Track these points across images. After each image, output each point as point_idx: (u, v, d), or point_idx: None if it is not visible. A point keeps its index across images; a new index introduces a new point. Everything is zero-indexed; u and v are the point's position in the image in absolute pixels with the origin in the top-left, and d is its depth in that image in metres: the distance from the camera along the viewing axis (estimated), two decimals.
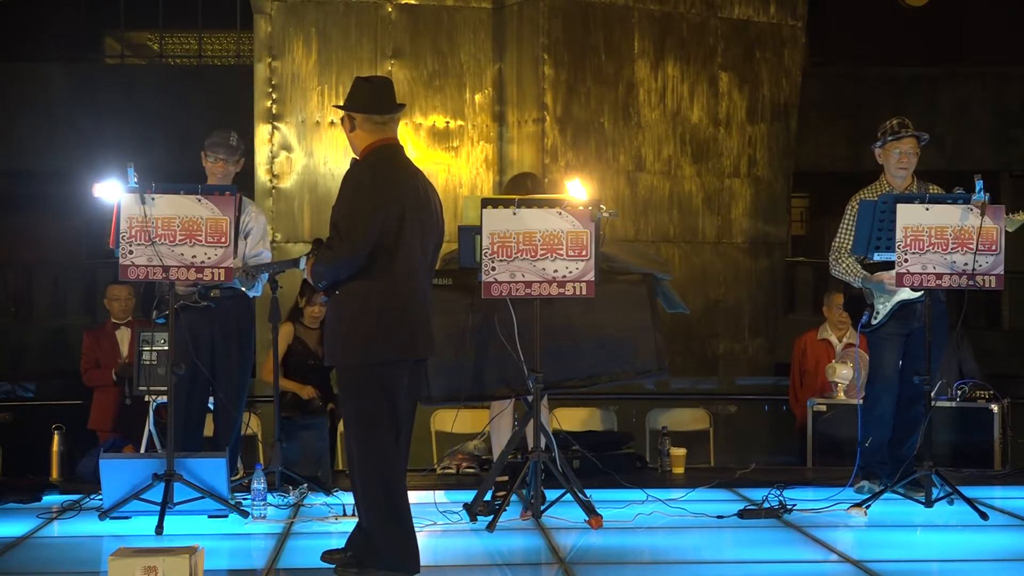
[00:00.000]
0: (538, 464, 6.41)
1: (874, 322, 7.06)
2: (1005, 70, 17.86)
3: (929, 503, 6.75)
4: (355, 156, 5.38)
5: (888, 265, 6.93)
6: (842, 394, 8.29)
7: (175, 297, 6.59)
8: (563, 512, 6.50)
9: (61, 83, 17.65)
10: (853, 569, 5.55)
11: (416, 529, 6.12)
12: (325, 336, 5.41)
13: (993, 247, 6.60)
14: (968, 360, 8.88)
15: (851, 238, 7.05)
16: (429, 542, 6.01)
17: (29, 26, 18.12)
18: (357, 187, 5.23)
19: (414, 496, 7.22)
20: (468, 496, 6.64)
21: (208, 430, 7.34)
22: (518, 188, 7.15)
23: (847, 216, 7.13)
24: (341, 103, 5.44)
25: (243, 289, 7.08)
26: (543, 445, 6.44)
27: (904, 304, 6.98)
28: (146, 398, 7.40)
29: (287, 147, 10.69)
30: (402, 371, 5.28)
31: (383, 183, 5.24)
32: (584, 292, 6.38)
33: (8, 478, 7.74)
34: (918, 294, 6.89)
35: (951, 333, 8.75)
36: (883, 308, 7.03)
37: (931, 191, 7.00)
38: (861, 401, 7.20)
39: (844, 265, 7.10)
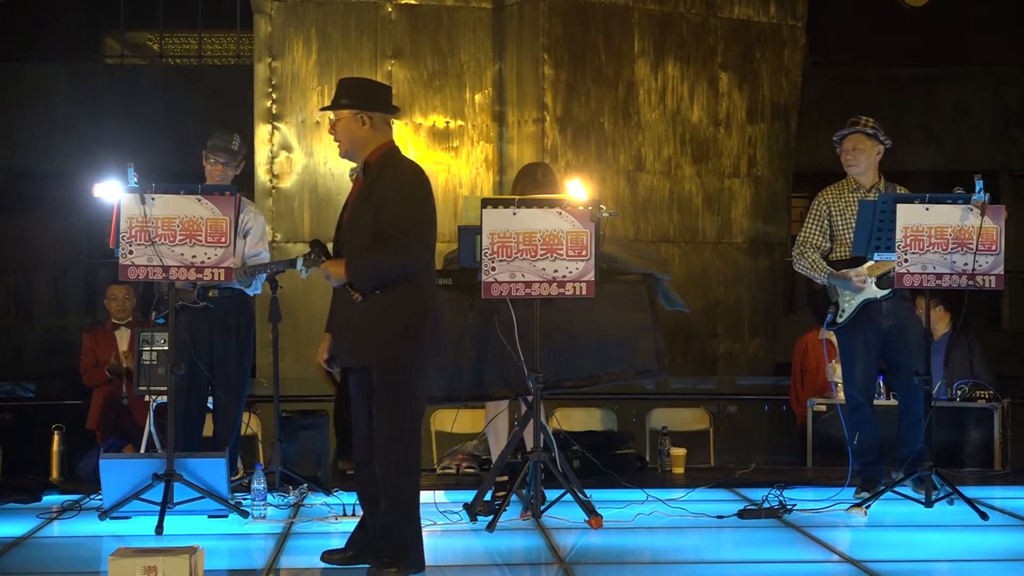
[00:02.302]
0: (538, 464, 6.41)
1: (839, 320, 7.05)
2: (1005, 70, 17.86)
3: (929, 503, 6.76)
4: (348, 153, 5.40)
5: (851, 262, 6.94)
6: (842, 394, 8.29)
7: (175, 297, 6.59)
8: (563, 512, 6.50)
9: (61, 83, 17.65)
10: (853, 569, 5.55)
11: None
12: (362, 335, 5.27)
13: (993, 247, 6.60)
14: (979, 360, 8.89)
15: (815, 234, 7.08)
16: (429, 542, 6.00)
17: (29, 26, 18.11)
18: (418, 189, 5.33)
19: None
20: (468, 496, 6.64)
21: (208, 430, 7.35)
22: (528, 178, 7.16)
23: (811, 212, 7.15)
24: (345, 107, 5.45)
25: (242, 288, 7.08)
26: (542, 445, 6.44)
27: (869, 302, 6.98)
28: (146, 398, 7.41)
29: (287, 147, 10.69)
30: (429, 370, 5.42)
31: (428, 185, 5.40)
32: (584, 292, 6.38)
33: (8, 478, 7.74)
34: (884, 292, 6.90)
35: (962, 336, 8.78)
36: (849, 306, 7.01)
37: (898, 191, 7.03)
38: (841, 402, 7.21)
39: (808, 261, 7.10)
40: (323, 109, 5.71)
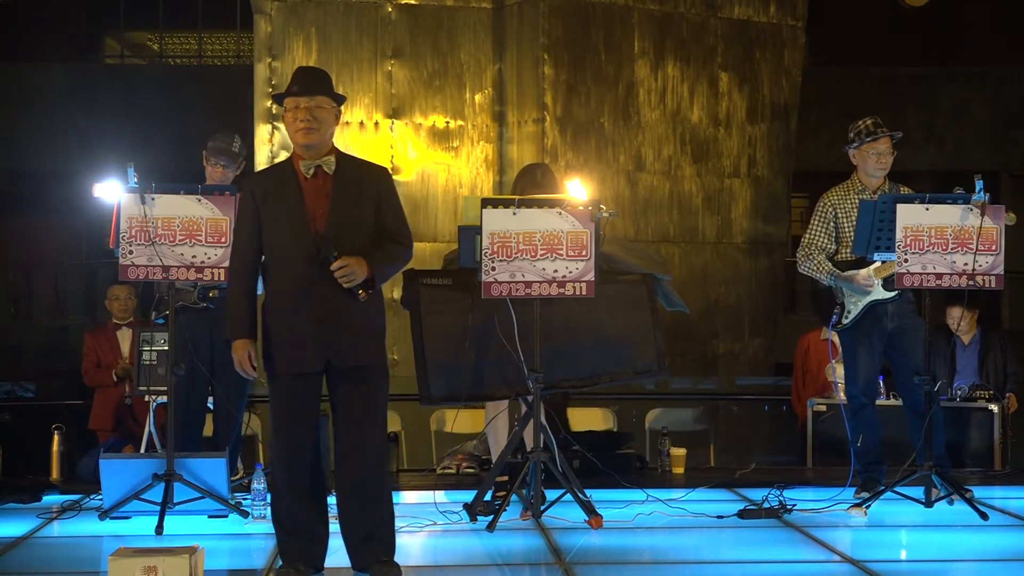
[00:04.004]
0: (538, 464, 6.41)
1: (845, 321, 7.03)
2: (1005, 70, 17.85)
3: (929, 503, 6.76)
4: (316, 145, 5.19)
5: (857, 263, 6.93)
6: (842, 394, 8.29)
7: (174, 297, 6.60)
8: (563, 512, 6.50)
9: (61, 83, 17.63)
10: (853, 569, 5.55)
11: (416, 529, 6.16)
12: (364, 336, 5.19)
13: (993, 247, 6.60)
14: (1009, 357, 8.92)
15: (820, 236, 7.06)
16: (429, 542, 6.01)
17: (29, 26, 18.10)
18: None
19: (414, 496, 7.26)
20: (468, 496, 6.64)
21: (208, 430, 7.35)
22: (528, 178, 7.16)
23: (817, 214, 7.13)
24: (331, 96, 5.32)
25: None
26: (542, 445, 6.44)
27: (876, 304, 6.97)
28: (146, 398, 7.40)
29: (287, 147, 10.67)
30: None
31: None
32: (584, 292, 6.38)
33: (8, 478, 7.74)
34: (891, 294, 6.89)
35: (994, 336, 8.80)
36: (854, 308, 7.01)
37: (902, 191, 7.02)
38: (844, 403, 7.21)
39: (814, 263, 7.08)
40: (326, 95, 5.31)
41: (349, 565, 5.41)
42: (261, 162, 10.68)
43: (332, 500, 5.38)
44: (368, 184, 5.24)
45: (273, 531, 6.25)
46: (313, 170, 5.19)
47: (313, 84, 5.29)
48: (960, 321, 8.97)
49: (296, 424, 5.20)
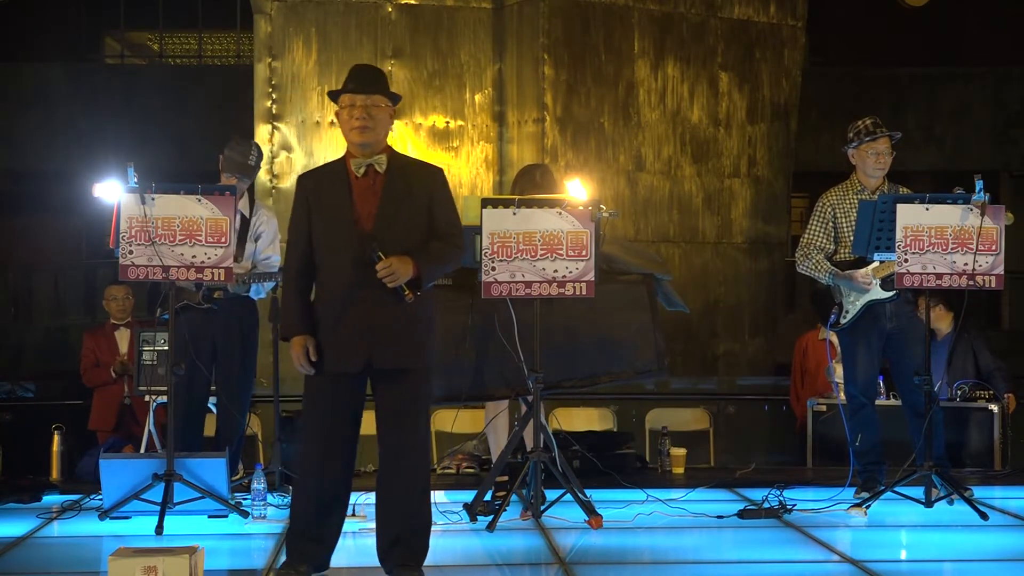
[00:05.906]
0: (538, 464, 6.41)
1: (843, 321, 7.03)
2: (1005, 70, 17.85)
3: (929, 503, 6.76)
4: (372, 143, 5.13)
5: (856, 263, 6.93)
6: (842, 394, 8.29)
7: (178, 297, 6.60)
8: (563, 512, 6.50)
9: (61, 83, 17.63)
10: (853, 569, 5.55)
11: None
12: (409, 337, 5.14)
13: (993, 247, 6.60)
14: (984, 355, 8.88)
15: (819, 236, 7.06)
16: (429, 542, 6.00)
17: (29, 26, 18.11)
18: None
19: None
20: (468, 496, 6.64)
21: (210, 430, 7.35)
22: (527, 179, 7.16)
23: (816, 214, 7.13)
24: (387, 96, 5.24)
25: (242, 293, 7.09)
26: (542, 445, 6.44)
27: (874, 303, 6.97)
28: (146, 398, 7.41)
29: (287, 147, 10.69)
30: None
31: None
32: (584, 292, 6.38)
33: (8, 478, 7.74)
34: (889, 294, 6.89)
35: (963, 336, 8.78)
36: (853, 307, 7.00)
37: (901, 191, 7.02)
38: (842, 403, 7.20)
39: (813, 262, 7.07)
40: (382, 94, 5.21)
41: (350, 565, 5.42)
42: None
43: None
44: (419, 184, 5.18)
45: (273, 531, 6.28)
46: (364, 169, 5.15)
47: (370, 82, 5.23)
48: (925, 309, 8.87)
49: (331, 423, 5.15)
